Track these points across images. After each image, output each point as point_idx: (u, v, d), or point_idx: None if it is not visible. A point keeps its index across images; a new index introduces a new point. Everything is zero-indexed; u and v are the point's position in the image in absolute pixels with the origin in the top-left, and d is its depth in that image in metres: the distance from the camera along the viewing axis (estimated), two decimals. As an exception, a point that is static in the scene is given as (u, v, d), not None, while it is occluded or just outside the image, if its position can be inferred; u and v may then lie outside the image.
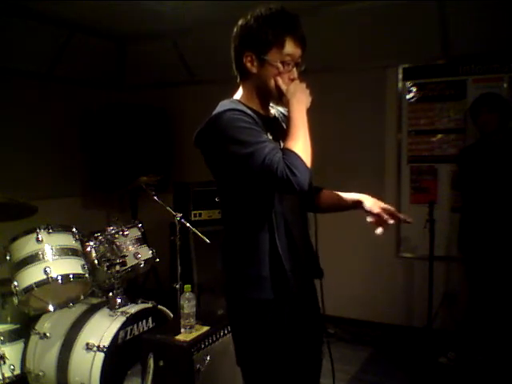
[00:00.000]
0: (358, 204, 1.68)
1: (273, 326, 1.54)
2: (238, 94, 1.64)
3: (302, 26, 1.55)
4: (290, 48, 1.52)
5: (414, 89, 3.91)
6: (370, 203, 1.65)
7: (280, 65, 1.52)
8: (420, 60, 3.87)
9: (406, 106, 3.94)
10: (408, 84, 3.93)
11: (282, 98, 1.56)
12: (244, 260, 1.57)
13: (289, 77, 1.55)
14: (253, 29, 1.54)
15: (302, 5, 3.23)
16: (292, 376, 1.58)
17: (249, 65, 1.56)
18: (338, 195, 1.78)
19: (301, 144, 1.43)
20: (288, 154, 1.40)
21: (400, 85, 3.95)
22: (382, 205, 1.63)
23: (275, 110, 1.74)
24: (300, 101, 1.51)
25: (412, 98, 3.92)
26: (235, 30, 1.60)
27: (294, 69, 1.55)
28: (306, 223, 1.70)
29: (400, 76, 3.95)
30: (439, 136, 3.83)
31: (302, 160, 1.40)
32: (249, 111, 1.53)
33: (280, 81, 1.54)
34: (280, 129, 1.63)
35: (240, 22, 1.58)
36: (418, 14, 3.54)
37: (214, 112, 1.52)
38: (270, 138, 1.54)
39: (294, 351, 1.58)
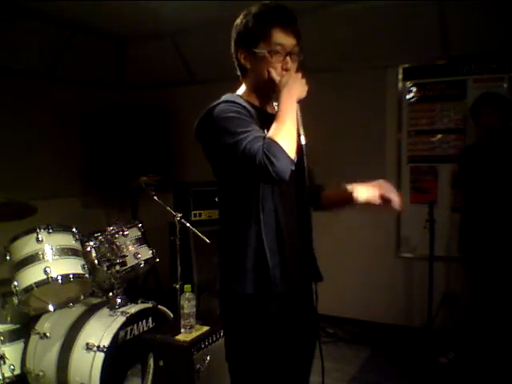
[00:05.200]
0: (352, 199, 1.64)
1: (256, 322, 1.54)
2: (240, 90, 1.66)
3: (293, 15, 1.54)
4: (279, 38, 1.51)
5: (414, 89, 3.91)
6: (363, 194, 1.62)
7: (268, 55, 1.52)
8: (420, 60, 3.87)
9: (406, 106, 3.94)
10: (408, 84, 3.93)
11: (276, 90, 1.53)
12: (232, 254, 1.57)
13: (282, 67, 1.54)
14: (241, 25, 1.57)
15: (302, 5, 3.23)
16: (274, 374, 1.57)
17: (243, 61, 1.59)
18: (335, 193, 1.75)
19: (284, 133, 1.41)
20: (268, 142, 1.38)
21: (400, 85, 3.95)
22: (374, 192, 1.61)
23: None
24: (291, 91, 1.48)
25: (412, 98, 3.92)
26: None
27: (288, 58, 1.54)
28: (305, 223, 1.66)
29: (400, 76, 3.95)
30: (439, 136, 3.83)
31: (282, 149, 1.37)
32: (246, 104, 1.54)
33: (273, 72, 1.53)
34: None
35: (235, 22, 1.61)
36: (418, 14, 3.54)
37: (211, 104, 1.54)
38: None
39: (278, 349, 1.56)
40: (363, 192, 1.63)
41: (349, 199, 1.65)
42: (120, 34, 4.60)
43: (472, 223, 3.28)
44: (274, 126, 1.44)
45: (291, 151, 1.41)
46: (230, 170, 1.53)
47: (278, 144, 1.38)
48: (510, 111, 3.21)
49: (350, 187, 1.66)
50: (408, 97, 3.93)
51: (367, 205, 1.63)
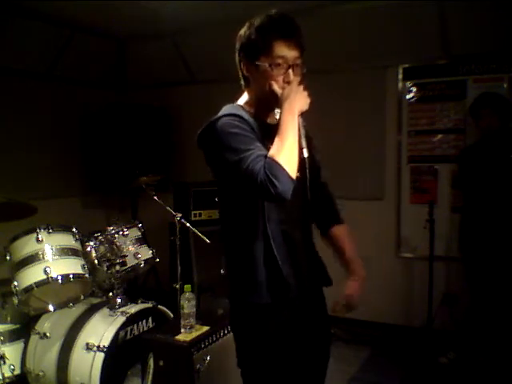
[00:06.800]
0: (349, 272, 1.79)
1: (271, 330, 1.54)
2: (243, 99, 1.64)
3: (296, 27, 1.52)
4: (281, 51, 1.49)
5: (414, 89, 3.90)
6: (352, 287, 1.77)
7: (269, 68, 1.50)
8: (420, 60, 3.86)
9: (406, 106, 3.94)
10: (408, 84, 3.92)
11: (278, 103, 1.51)
12: (241, 266, 1.57)
13: (284, 80, 1.52)
14: (244, 37, 1.55)
15: (301, 5, 3.24)
16: (290, 381, 1.57)
17: (245, 72, 1.58)
18: (343, 245, 1.82)
19: (285, 152, 1.39)
20: (269, 163, 1.37)
21: (400, 85, 3.95)
22: (354, 295, 1.75)
23: None
24: (292, 104, 1.46)
25: (412, 98, 3.92)
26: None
27: (290, 71, 1.51)
28: (309, 231, 1.69)
29: (400, 76, 3.95)
30: (439, 136, 3.83)
31: (283, 169, 1.37)
32: (247, 117, 1.53)
33: (274, 85, 1.51)
34: None
35: (239, 33, 1.59)
36: (418, 14, 3.54)
37: (215, 116, 1.52)
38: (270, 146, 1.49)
39: (293, 356, 1.57)
40: (352, 286, 1.78)
41: (345, 267, 1.81)
42: (120, 34, 4.60)
43: (472, 223, 3.28)
44: (275, 142, 1.42)
45: (292, 170, 1.40)
46: (232, 184, 1.53)
47: (279, 164, 1.37)
48: (510, 111, 3.21)
49: (352, 266, 1.81)
50: (408, 97, 3.93)
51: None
